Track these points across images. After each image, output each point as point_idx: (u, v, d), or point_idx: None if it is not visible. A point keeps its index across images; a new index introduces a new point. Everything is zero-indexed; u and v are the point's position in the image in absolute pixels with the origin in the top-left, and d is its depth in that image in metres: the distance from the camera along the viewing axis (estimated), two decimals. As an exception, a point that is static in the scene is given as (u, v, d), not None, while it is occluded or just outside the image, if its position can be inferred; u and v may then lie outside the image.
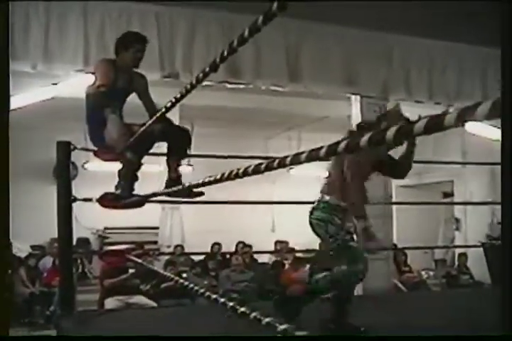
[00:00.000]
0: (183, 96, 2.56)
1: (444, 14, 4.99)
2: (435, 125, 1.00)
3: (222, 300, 2.47)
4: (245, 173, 1.94)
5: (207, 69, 2.20)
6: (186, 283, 2.92)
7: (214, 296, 2.59)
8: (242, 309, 2.22)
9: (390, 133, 1.13)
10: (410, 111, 4.52)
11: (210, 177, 2.06)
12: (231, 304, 2.34)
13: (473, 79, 5.93)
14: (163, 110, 2.80)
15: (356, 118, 5.83)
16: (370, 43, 5.27)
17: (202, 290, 2.72)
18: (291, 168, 10.67)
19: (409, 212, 11.57)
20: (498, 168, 11.12)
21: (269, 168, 1.74)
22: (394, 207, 11.16)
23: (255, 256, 9.11)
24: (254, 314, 2.15)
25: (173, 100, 2.63)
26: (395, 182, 11.23)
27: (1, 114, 1.76)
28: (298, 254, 9.07)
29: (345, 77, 5.11)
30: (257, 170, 1.86)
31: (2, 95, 1.78)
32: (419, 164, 12.04)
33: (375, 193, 5.50)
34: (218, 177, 1.74)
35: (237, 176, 2.02)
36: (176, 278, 3.23)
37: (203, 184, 2.13)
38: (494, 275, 9.07)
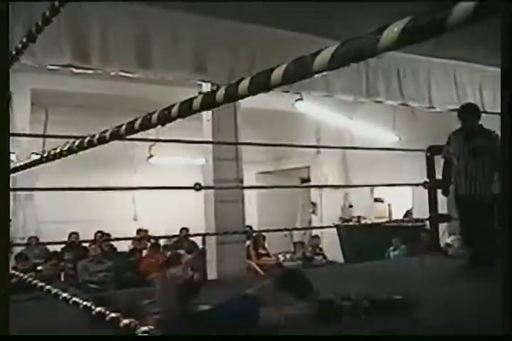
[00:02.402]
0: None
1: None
2: (209, 101, 1.00)
3: (65, 295, 2.35)
4: (71, 150, 1.81)
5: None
6: (25, 277, 2.74)
7: (55, 291, 2.45)
8: (85, 303, 2.12)
9: (175, 109, 1.11)
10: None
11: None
12: (74, 299, 2.23)
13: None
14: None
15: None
16: (223, 32, 5.23)
17: (43, 285, 2.57)
18: (151, 156, 10.49)
19: (270, 198, 11.90)
20: (349, 154, 11.57)
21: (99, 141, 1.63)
22: (255, 193, 11.43)
23: (115, 245, 8.87)
24: (98, 310, 2.05)
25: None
26: (255, 169, 11.50)
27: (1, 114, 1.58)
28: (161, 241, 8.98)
29: (195, 65, 5.04)
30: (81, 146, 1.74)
31: (2, 98, 1.59)
32: (277, 151, 12.35)
33: (226, 177, 5.50)
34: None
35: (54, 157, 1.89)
36: (17, 273, 3.03)
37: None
38: (345, 254, 9.59)
